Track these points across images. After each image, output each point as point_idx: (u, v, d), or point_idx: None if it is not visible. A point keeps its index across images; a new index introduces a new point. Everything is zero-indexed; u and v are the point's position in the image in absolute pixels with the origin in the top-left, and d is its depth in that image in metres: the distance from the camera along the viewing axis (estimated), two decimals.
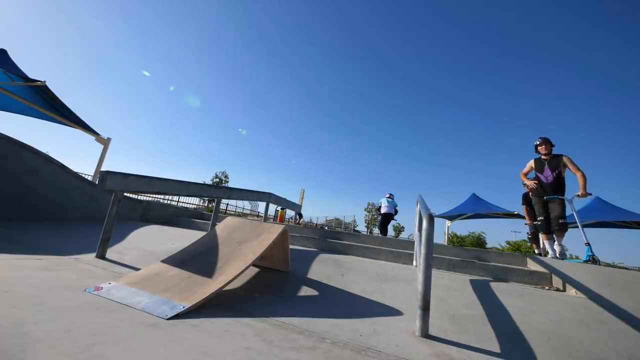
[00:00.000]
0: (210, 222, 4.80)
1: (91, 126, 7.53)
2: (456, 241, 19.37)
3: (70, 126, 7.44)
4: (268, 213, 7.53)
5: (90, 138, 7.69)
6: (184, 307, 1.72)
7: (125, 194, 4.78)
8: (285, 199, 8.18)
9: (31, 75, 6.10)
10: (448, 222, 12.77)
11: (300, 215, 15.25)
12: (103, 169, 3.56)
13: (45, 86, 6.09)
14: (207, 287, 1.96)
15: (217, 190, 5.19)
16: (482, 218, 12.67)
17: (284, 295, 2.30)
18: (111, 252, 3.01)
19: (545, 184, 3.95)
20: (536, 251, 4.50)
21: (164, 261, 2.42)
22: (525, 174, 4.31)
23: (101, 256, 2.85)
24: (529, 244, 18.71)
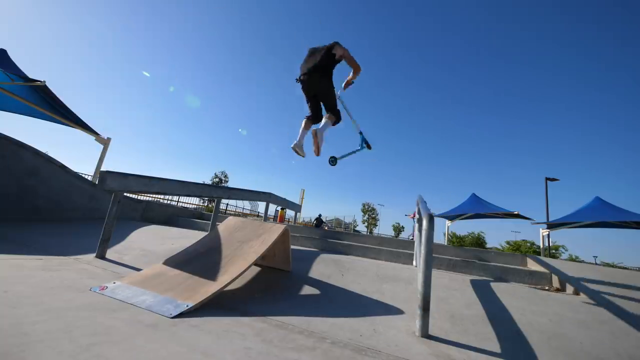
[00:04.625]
0: (210, 222, 4.80)
1: (91, 126, 7.53)
2: (456, 241, 19.33)
3: (70, 126, 7.43)
4: (268, 213, 7.53)
5: (90, 138, 7.68)
6: (187, 305, 1.72)
7: (125, 194, 4.78)
8: (285, 199, 8.18)
9: (31, 75, 6.09)
10: (448, 222, 12.75)
11: (320, 222, 15.24)
12: (103, 169, 3.57)
13: (45, 86, 6.08)
14: (210, 286, 1.96)
15: (217, 190, 5.19)
16: (482, 218, 12.64)
17: (284, 295, 2.30)
18: (111, 252, 3.00)
19: None
20: None
21: (166, 261, 2.43)
22: None
23: (101, 256, 2.85)
24: (529, 244, 18.76)
